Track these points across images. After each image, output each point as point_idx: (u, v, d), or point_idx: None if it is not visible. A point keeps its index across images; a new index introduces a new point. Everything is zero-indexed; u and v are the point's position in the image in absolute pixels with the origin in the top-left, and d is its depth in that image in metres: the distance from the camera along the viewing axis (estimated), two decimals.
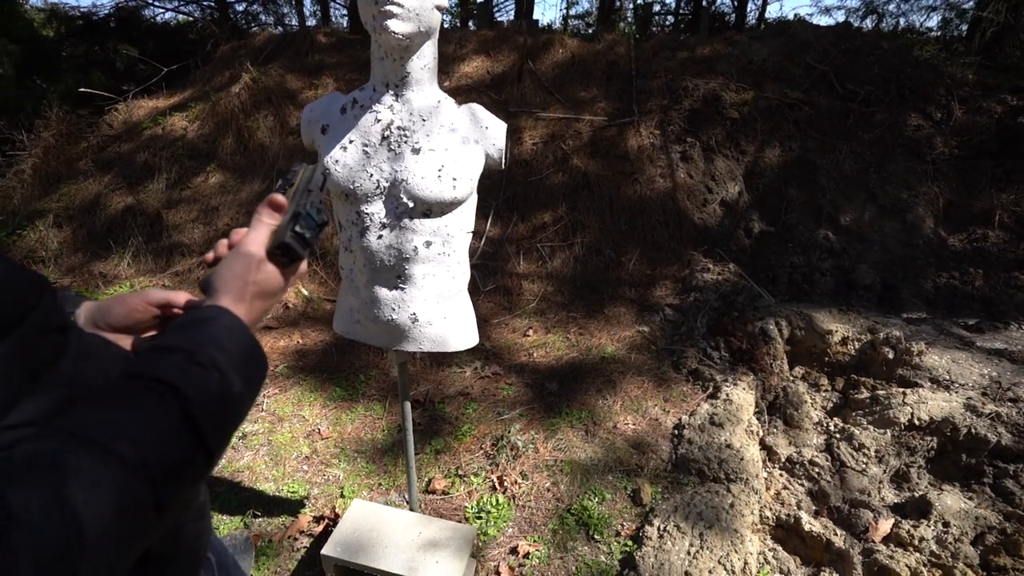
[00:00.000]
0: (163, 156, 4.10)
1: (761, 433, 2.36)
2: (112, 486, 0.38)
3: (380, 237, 1.19)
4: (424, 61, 1.10)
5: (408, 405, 1.54)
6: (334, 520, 1.96)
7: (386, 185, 1.16)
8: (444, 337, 1.33)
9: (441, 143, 1.14)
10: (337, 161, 1.15)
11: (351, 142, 1.15)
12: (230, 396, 0.49)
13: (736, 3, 8.06)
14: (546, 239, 3.67)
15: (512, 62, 4.49)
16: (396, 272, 1.23)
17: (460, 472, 2.19)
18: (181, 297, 0.65)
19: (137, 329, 0.65)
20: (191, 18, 7.32)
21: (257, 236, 0.58)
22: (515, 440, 2.29)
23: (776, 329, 2.72)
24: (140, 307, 0.64)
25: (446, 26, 7.55)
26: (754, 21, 8.26)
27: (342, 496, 2.09)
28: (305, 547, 1.88)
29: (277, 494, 2.11)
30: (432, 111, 1.14)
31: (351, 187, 1.15)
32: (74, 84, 5.14)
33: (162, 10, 6.87)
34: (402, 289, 1.25)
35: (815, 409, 2.52)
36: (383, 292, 1.26)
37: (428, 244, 1.20)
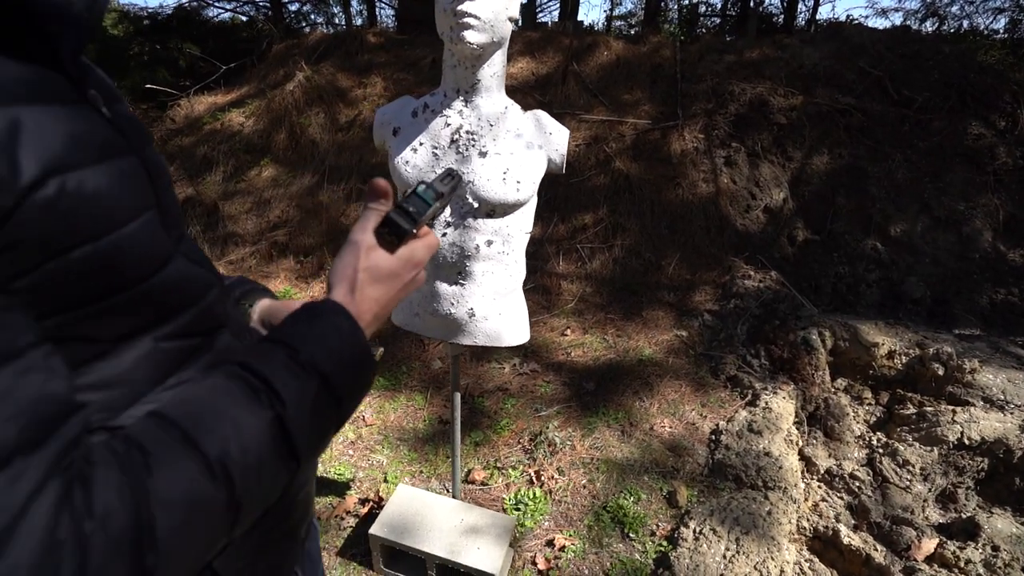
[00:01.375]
0: (221, 150, 4.32)
1: (800, 443, 2.34)
2: (189, 482, 0.38)
3: (444, 235, 1.26)
4: (494, 69, 1.16)
5: (458, 396, 1.61)
6: (379, 503, 2.05)
7: None
8: (498, 332, 1.39)
9: (507, 147, 1.20)
10: (407, 162, 1.22)
11: (421, 144, 1.22)
12: (328, 402, 0.47)
13: (785, 4, 7.87)
14: (586, 240, 3.70)
15: (557, 63, 4.52)
16: (457, 269, 1.30)
17: (499, 464, 2.25)
18: None
19: None
20: (246, 17, 7.62)
21: (365, 223, 0.56)
22: (552, 436, 2.34)
23: (819, 339, 2.68)
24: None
25: None
26: (803, 24, 8.05)
27: (385, 481, 2.18)
28: (351, 526, 1.98)
29: (325, 475, 2.21)
30: (499, 117, 1.20)
31: None
32: (140, 81, 5.45)
33: (221, 10, 7.19)
34: (462, 285, 1.32)
35: (857, 422, 2.48)
36: (443, 287, 1.33)
37: (489, 243, 1.26)
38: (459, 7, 1.04)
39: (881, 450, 2.31)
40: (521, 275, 1.38)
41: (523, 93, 4.29)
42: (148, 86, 5.09)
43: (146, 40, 6.58)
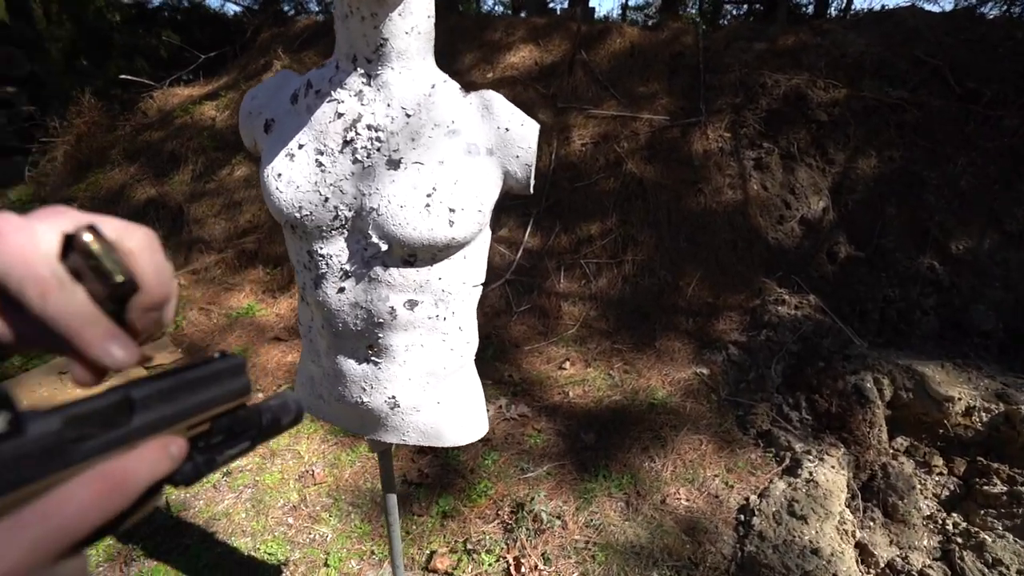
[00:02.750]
0: (190, 146, 3.91)
1: (855, 529, 1.84)
2: None
3: (341, 291, 0.80)
4: (412, 21, 0.69)
5: (393, 499, 1.15)
6: None
7: (349, 215, 0.76)
8: (437, 428, 0.93)
9: (434, 153, 0.73)
10: (280, 175, 0.76)
11: (300, 147, 0.76)
12: None
13: None
14: (592, 254, 3.21)
15: (564, 52, 4.03)
16: (366, 340, 0.84)
17: (469, 546, 1.79)
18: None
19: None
20: (242, 7, 7.24)
21: None
22: (539, 510, 1.87)
23: (875, 389, 2.17)
24: None
25: (495, 14, 7.15)
26: (836, 12, 7.43)
27: (327, 565, 1.74)
28: None
29: (252, 554, 1.78)
30: (422, 102, 0.73)
31: (297, 215, 0.76)
32: (117, 71, 5.08)
33: None
34: (375, 364, 0.85)
35: (926, 498, 1.98)
36: (349, 365, 0.87)
37: (412, 304, 0.80)
38: None
39: (960, 539, 1.80)
40: (470, 348, 0.91)
41: (524, 84, 3.81)
42: (122, 76, 4.70)
43: (131, 28, 6.21)
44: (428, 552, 1.78)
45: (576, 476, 2.05)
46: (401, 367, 0.86)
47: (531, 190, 0.80)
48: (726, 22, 7.82)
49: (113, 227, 0.26)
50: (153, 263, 0.27)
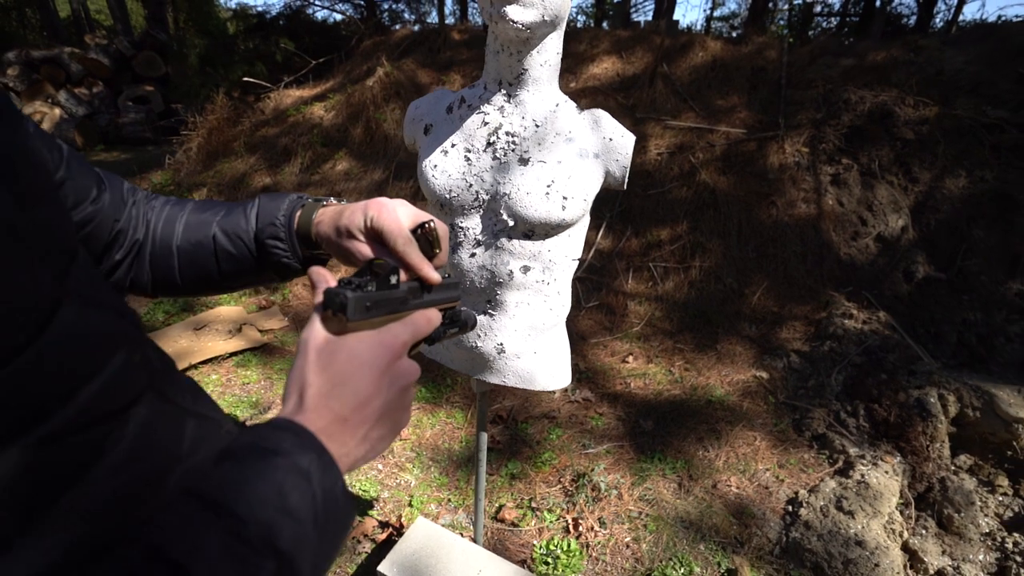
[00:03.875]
0: (300, 142, 4.42)
1: (905, 532, 1.90)
2: None
3: (473, 256, 1.05)
4: (545, 56, 0.94)
5: (484, 436, 1.40)
6: (398, 530, 1.90)
7: (486, 198, 1.01)
8: (532, 374, 1.17)
9: (554, 155, 0.98)
10: (435, 166, 1.03)
11: (453, 146, 1.02)
12: None
13: (920, 2, 6.89)
14: (660, 258, 3.36)
15: (645, 64, 4.20)
16: (486, 296, 1.09)
17: (533, 504, 2.02)
18: (428, 272, 0.52)
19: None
20: (344, 16, 7.92)
21: (312, 320, 0.43)
22: (598, 480, 2.07)
23: (939, 404, 2.19)
24: (356, 250, 0.56)
25: (579, 26, 7.39)
26: (940, 24, 7.03)
27: (410, 505, 2.03)
28: (366, 552, 1.84)
29: (350, 488, 2.10)
30: (548, 116, 0.97)
31: (447, 196, 1.02)
32: (241, 74, 5.76)
33: (319, 7, 7.52)
34: (491, 316, 1.10)
35: (986, 516, 1.99)
36: None
37: (525, 269, 1.04)
38: None
39: (1020, 558, 1.82)
40: (564, 309, 1.14)
41: (605, 94, 4.01)
42: (245, 79, 5.35)
43: (252, 37, 6.98)
44: (498, 505, 2.03)
45: (633, 456, 2.23)
46: (511, 319, 1.10)
47: (625, 186, 1.02)
48: (815, 33, 7.61)
49: (437, 221, 0.54)
50: (446, 245, 0.56)
